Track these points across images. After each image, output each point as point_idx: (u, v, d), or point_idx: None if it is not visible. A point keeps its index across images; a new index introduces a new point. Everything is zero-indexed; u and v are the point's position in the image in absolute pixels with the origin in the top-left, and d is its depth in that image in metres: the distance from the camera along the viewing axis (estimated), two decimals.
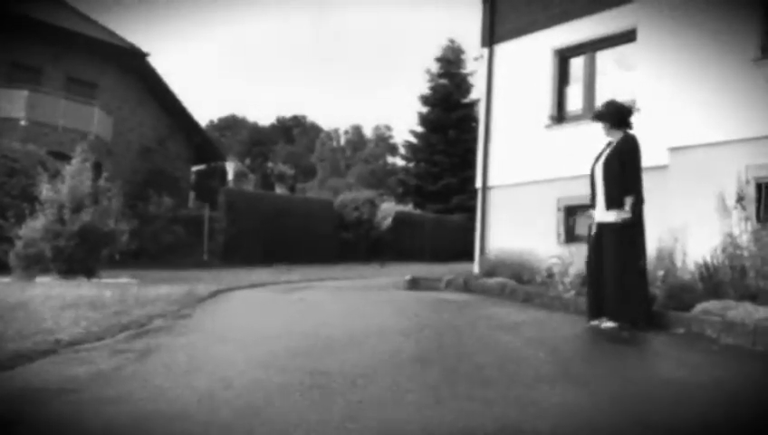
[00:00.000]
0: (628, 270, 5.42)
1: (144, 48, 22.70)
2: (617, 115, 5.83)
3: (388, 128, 68.24)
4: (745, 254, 6.02)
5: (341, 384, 3.29)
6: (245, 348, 4.46)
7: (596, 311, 5.59)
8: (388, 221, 24.15)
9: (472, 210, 20.81)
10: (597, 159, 5.92)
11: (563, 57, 10.72)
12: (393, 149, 59.95)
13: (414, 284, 11.09)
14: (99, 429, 2.60)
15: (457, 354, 4.33)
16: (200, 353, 4.22)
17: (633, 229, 5.54)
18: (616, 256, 5.47)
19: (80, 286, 8.88)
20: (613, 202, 5.59)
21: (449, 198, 30.28)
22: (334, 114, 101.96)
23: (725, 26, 7.82)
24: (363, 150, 65.46)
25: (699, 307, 5.35)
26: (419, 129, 33.61)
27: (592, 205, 5.94)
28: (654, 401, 3.14)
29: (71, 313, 5.63)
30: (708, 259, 6.07)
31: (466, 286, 9.42)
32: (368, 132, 70.24)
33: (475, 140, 14.47)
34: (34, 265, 11.25)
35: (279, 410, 2.80)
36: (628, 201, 5.52)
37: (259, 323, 6.22)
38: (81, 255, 11.48)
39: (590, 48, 10.27)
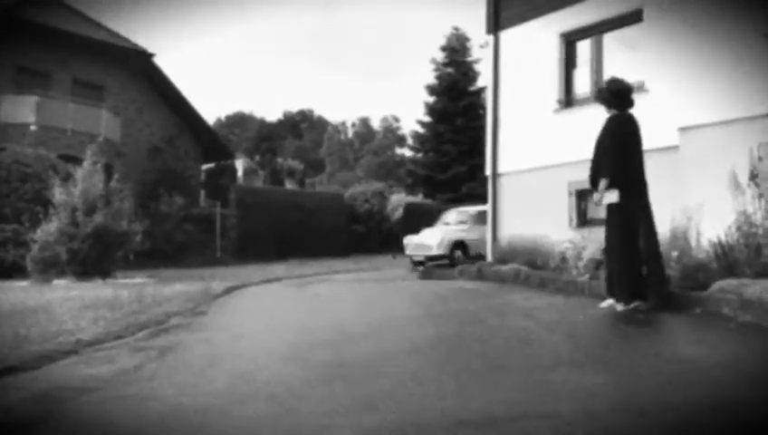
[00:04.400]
0: (631, 250, 5.38)
1: (149, 48, 22.75)
2: (612, 95, 5.78)
3: (396, 119, 68.14)
4: (760, 232, 5.98)
5: (362, 375, 3.31)
6: (264, 343, 4.49)
7: (610, 291, 5.59)
8: (399, 212, 24.17)
9: (482, 198, 20.77)
10: None
11: (570, 41, 10.65)
12: (401, 140, 59.85)
13: (427, 273, 11.13)
14: (124, 425, 2.64)
15: (475, 341, 4.34)
16: (219, 349, 4.25)
17: (631, 210, 5.45)
18: (616, 237, 5.47)
19: (96, 287, 8.98)
20: (594, 184, 5.62)
21: (459, 187, 30.18)
22: (341, 107, 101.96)
23: (734, 0, 7.73)
24: (371, 142, 65.40)
25: (715, 286, 5.33)
26: (427, 118, 33.50)
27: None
28: (674, 381, 3.14)
29: (90, 313, 5.70)
30: (723, 238, 6.02)
31: (480, 274, 9.42)
32: (375, 124, 70.17)
33: (482, 127, 14.47)
34: (51, 267, 11.38)
35: (302, 402, 2.82)
36: (602, 183, 5.48)
37: (275, 317, 6.26)
38: (95, 256, 11.59)
39: (596, 30, 10.19)
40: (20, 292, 8.55)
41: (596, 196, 5.60)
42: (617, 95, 5.72)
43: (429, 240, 14.29)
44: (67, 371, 3.58)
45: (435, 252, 13.96)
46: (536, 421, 2.53)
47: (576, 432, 2.40)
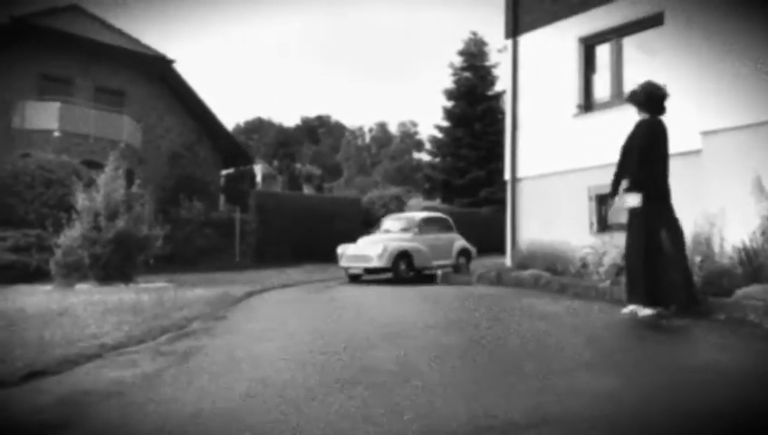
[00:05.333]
0: (654, 256, 5.33)
1: (169, 54, 23.00)
2: (644, 99, 5.72)
3: (414, 123, 68.20)
4: None
5: (382, 380, 3.31)
6: (283, 348, 4.51)
7: (632, 297, 5.53)
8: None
9: (500, 203, 20.69)
10: None
11: (589, 45, 10.59)
12: (419, 145, 59.87)
13: (445, 279, 11.11)
14: (146, 430, 2.66)
15: (496, 346, 4.32)
16: (239, 354, 4.28)
17: (654, 215, 5.41)
18: (637, 242, 5.42)
19: (118, 292, 9.07)
20: (616, 187, 5.59)
21: (477, 192, 30.15)
22: (358, 112, 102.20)
23: (758, 1, 7.64)
24: (389, 147, 65.49)
25: (740, 292, 5.27)
26: (444, 123, 33.51)
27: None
28: (698, 388, 3.10)
29: (112, 317, 5.75)
30: (747, 243, 5.95)
31: (499, 280, 9.39)
32: (393, 129, 70.26)
33: (501, 132, 14.45)
34: (74, 272, 11.51)
35: (323, 408, 2.83)
36: (624, 184, 5.46)
37: (294, 322, 6.28)
38: (117, 261, 11.72)
39: (615, 34, 10.13)
40: (44, 296, 8.67)
41: (617, 198, 5.55)
42: (652, 99, 5.66)
43: (369, 250, 12.57)
44: (91, 375, 3.62)
45: (375, 264, 12.31)
46: (557, 427, 2.51)
47: None
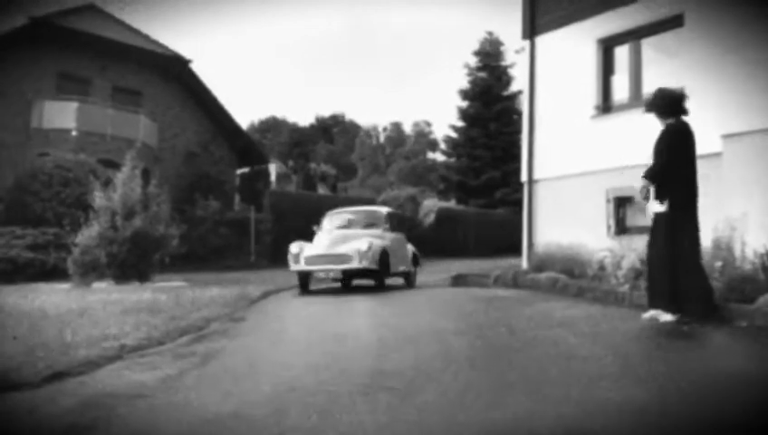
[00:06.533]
0: (679, 261, 5.28)
1: (183, 52, 23.13)
2: (664, 104, 5.67)
3: (428, 123, 68.08)
4: None
5: (402, 386, 3.30)
6: (303, 351, 4.52)
7: (655, 303, 5.47)
8: (431, 218, 24.11)
9: (516, 204, 20.64)
10: None
11: (607, 46, 10.51)
12: (433, 145, 59.79)
13: (460, 280, 11.06)
14: (171, 433, 2.67)
15: (515, 353, 4.30)
16: (260, 357, 4.29)
17: (680, 220, 5.37)
18: (664, 248, 5.35)
19: (135, 291, 9.13)
20: (647, 193, 5.54)
21: (492, 193, 30.05)
22: (373, 111, 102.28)
23: None
24: (403, 147, 65.45)
25: (762, 299, 5.20)
26: (459, 123, 33.44)
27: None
28: (723, 398, 3.06)
29: (131, 318, 5.79)
30: None
31: (515, 282, 9.35)
32: (407, 129, 70.21)
33: (516, 132, 14.37)
34: (91, 271, 11.61)
35: (345, 414, 2.82)
36: (642, 183, 5.42)
37: (312, 324, 6.29)
38: (133, 260, 11.82)
39: (634, 36, 10.05)
40: (63, 295, 8.75)
41: (648, 203, 5.47)
42: (672, 102, 5.60)
43: (344, 248, 9.97)
44: (113, 377, 3.64)
45: (355, 265, 9.77)
46: None
47: None
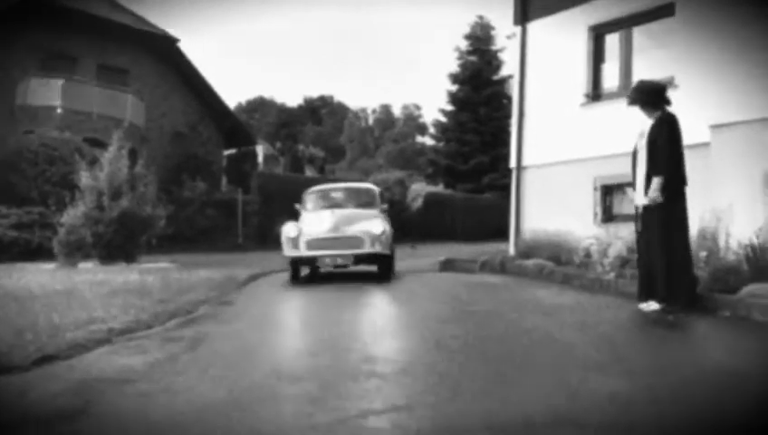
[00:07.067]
0: (673, 252, 5.35)
1: (171, 31, 22.84)
2: (648, 96, 5.70)
3: (417, 107, 67.87)
4: None
5: (392, 373, 3.32)
6: (292, 335, 4.54)
7: (646, 293, 5.53)
8: (419, 202, 24.14)
9: (504, 189, 20.68)
10: (639, 139, 5.83)
11: (598, 34, 10.51)
12: (422, 129, 59.67)
13: (448, 265, 11.11)
14: (162, 419, 2.68)
15: (503, 341, 4.35)
16: (249, 341, 4.30)
17: (674, 210, 5.45)
18: (661, 238, 5.39)
19: (121, 272, 9.10)
20: (649, 184, 5.55)
21: (480, 178, 30.08)
22: (362, 94, 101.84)
23: None
24: (392, 130, 65.26)
25: (746, 290, 5.27)
26: (449, 107, 33.36)
27: (633, 186, 5.88)
28: (707, 389, 3.12)
29: (118, 300, 5.78)
30: (754, 240, 5.94)
31: (502, 268, 9.41)
32: (396, 111, 69.96)
33: (506, 117, 14.36)
34: (76, 251, 11.55)
35: (337, 400, 2.84)
36: (656, 182, 5.42)
37: (300, 309, 6.31)
38: (120, 240, 11.76)
39: (626, 24, 10.05)
40: (48, 275, 8.70)
41: (652, 194, 5.46)
42: (655, 94, 5.64)
43: (353, 230, 8.72)
44: (102, 361, 3.65)
45: (367, 249, 8.54)
46: (570, 429, 2.52)
47: None
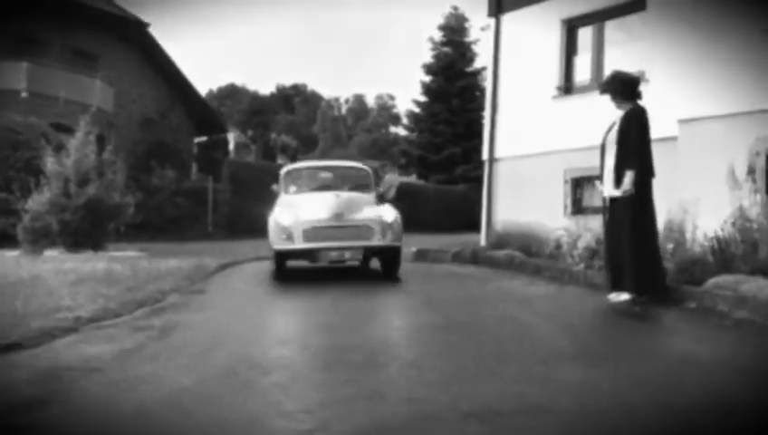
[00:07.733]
0: (642, 243, 5.43)
1: (143, 17, 22.42)
2: (622, 87, 5.76)
3: (391, 97, 67.78)
4: (755, 226, 6.03)
5: (363, 362, 3.32)
6: (263, 325, 4.51)
7: (614, 284, 5.61)
8: (392, 192, 24.05)
9: (476, 180, 20.76)
10: (608, 131, 5.89)
11: (571, 27, 10.59)
12: (396, 119, 59.62)
13: (421, 256, 11.13)
14: (129, 408, 2.64)
15: (474, 330, 4.37)
16: (219, 331, 4.26)
17: (643, 203, 5.54)
18: (630, 230, 5.47)
19: (88, 260, 8.92)
20: (620, 176, 5.60)
21: (453, 169, 30.15)
22: (335, 83, 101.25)
23: None
24: (365, 120, 65.10)
25: (711, 281, 5.38)
26: (422, 98, 33.34)
27: (601, 178, 5.93)
28: (672, 378, 3.18)
29: (86, 288, 5.67)
30: (719, 232, 6.07)
31: (474, 259, 9.46)
32: (370, 101, 69.78)
33: (479, 109, 14.42)
34: (42, 238, 11.29)
35: (306, 389, 2.83)
36: (629, 175, 5.49)
37: (272, 298, 6.27)
38: (87, 228, 11.51)
39: (598, 18, 10.14)
40: (12, 262, 8.50)
41: (625, 187, 5.50)
42: (630, 86, 5.70)
43: (361, 216, 7.34)
44: (69, 349, 3.58)
45: (377, 241, 7.22)
46: (540, 416, 2.55)
47: (579, 430, 2.44)
